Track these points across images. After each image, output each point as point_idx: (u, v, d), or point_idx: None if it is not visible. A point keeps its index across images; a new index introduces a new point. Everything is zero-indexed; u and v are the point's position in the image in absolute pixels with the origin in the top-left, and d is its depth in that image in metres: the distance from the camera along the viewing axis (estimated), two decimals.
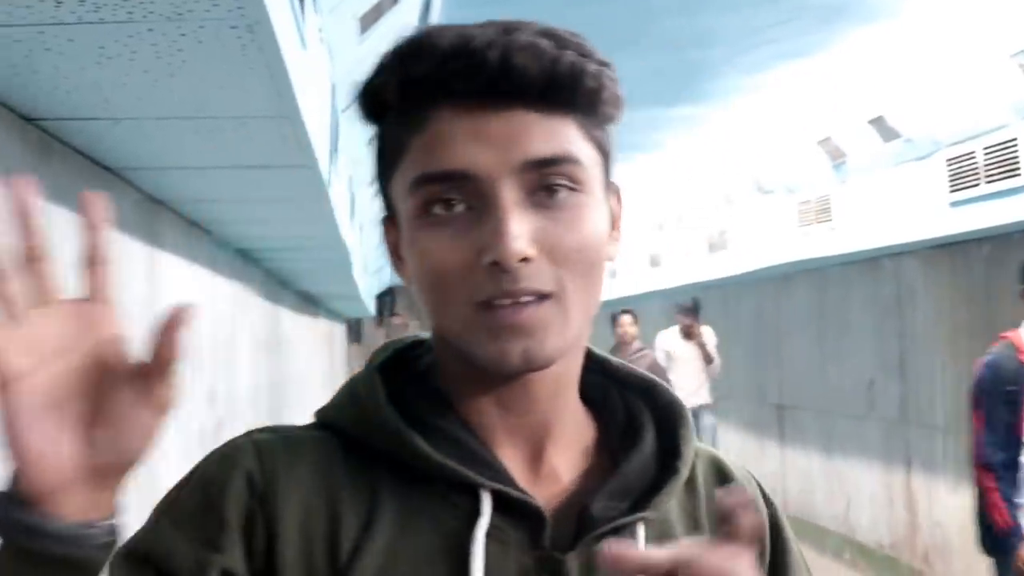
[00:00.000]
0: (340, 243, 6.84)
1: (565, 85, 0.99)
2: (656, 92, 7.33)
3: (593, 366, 1.18)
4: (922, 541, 8.32)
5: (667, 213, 12.53)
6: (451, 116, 0.99)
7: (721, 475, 1.19)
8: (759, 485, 1.23)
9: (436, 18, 5.29)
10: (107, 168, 3.78)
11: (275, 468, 1.04)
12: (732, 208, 10.50)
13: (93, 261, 0.91)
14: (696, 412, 10.01)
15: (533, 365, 1.00)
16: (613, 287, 15.95)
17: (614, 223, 1.11)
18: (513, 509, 1.03)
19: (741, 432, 11.87)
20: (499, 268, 0.97)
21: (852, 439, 9.47)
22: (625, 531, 1.05)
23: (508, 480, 1.04)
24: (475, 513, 1.02)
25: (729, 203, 10.45)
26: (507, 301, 0.98)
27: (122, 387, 0.85)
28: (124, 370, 0.86)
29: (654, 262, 13.57)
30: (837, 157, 8.06)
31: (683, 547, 0.88)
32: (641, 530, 1.06)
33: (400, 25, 5.18)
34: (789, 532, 1.22)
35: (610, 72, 1.03)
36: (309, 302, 15.25)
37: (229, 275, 7.13)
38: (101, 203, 0.88)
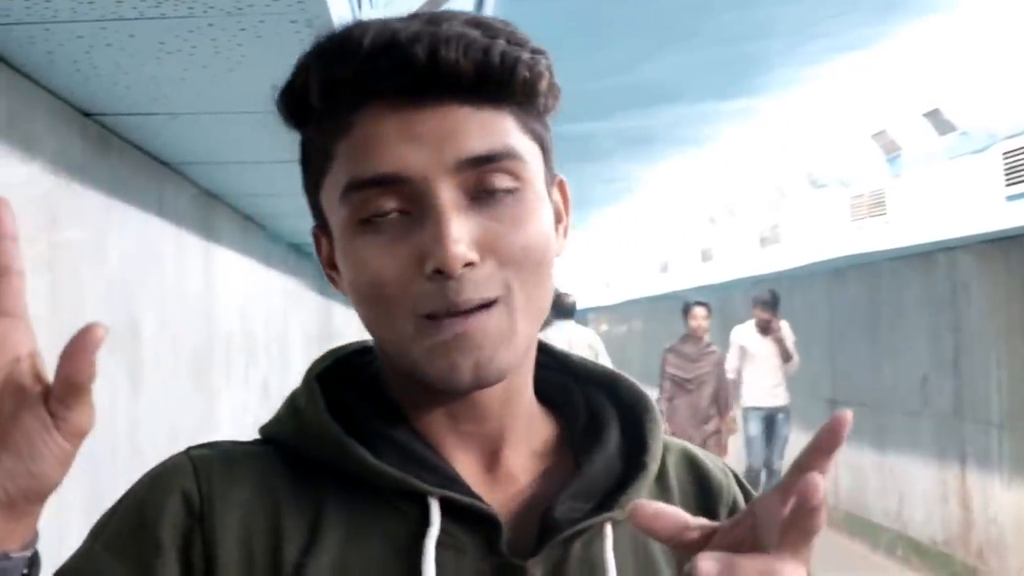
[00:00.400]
0: None
1: (498, 77, 0.93)
2: (710, 86, 7.29)
3: (552, 363, 1.15)
4: (976, 537, 8.23)
5: (719, 207, 12.45)
6: (379, 117, 0.93)
7: (694, 469, 1.13)
8: (737, 479, 1.16)
9: (490, 10, 5.29)
10: (164, 163, 3.83)
11: (213, 486, 0.97)
12: (784, 202, 10.43)
13: (1, 272, 0.81)
14: (771, 415, 9.84)
15: (484, 381, 0.95)
16: (664, 281, 15.91)
17: (559, 217, 1.05)
18: (466, 515, 0.96)
19: (793, 427, 11.79)
20: (442, 276, 0.91)
21: (905, 435, 9.39)
22: (592, 533, 0.99)
23: (458, 485, 0.98)
24: (425, 522, 0.96)
25: (782, 197, 10.37)
26: (446, 310, 0.92)
27: (33, 410, 0.79)
28: (35, 392, 0.79)
29: (706, 256, 13.51)
30: (891, 150, 8.00)
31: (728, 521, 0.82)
32: (609, 531, 1.00)
33: None
34: None
35: (545, 60, 0.97)
36: None
37: (282, 269, 7.20)
38: (6, 212, 0.82)
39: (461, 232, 0.91)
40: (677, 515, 0.81)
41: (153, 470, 1.01)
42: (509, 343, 0.94)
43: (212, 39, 2.30)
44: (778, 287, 12.14)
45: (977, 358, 8.11)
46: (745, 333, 10.01)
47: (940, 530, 8.80)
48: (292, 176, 3.67)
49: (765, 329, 9.73)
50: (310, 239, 4.04)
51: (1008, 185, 6.66)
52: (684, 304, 9.42)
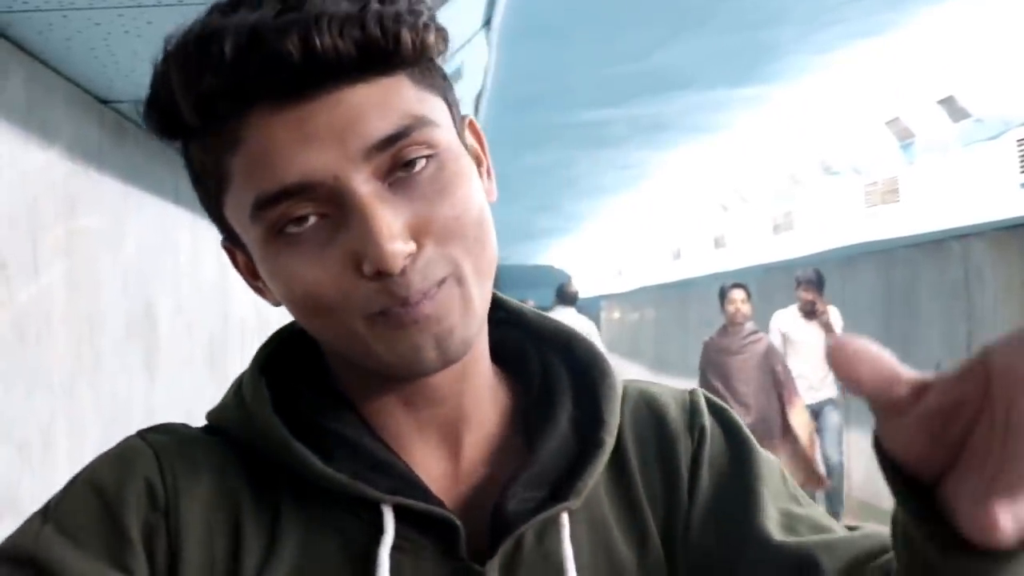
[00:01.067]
0: None
1: (383, 48, 0.83)
2: (723, 73, 7.29)
3: (508, 319, 1.08)
4: None
5: (732, 194, 12.43)
6: (267, 123, 0.83)
7: (653, 413, 1.05)
8: (709, 403, 1.07)
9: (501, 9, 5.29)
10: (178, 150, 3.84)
11: (177, 478, 0.91)
12: (798, 189, 10.38)
13: None
14: (819, 409, 8.68)
15: (450, 357, 0.88)
16: (677, 268, 15.90)
17: (479, 160, 0.96)
18: (422, 519, 0.90)
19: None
20: (382, 275, 0.83)
21: None
22: (547, 523, 0.93)
23: (413, 488, 0.92)
24: (380, 527, 0.90)
25: (795, 184, 10.32)
26: (397, 307, 0.84)
27: None
28: None
29: (718, 243, 13.48)
30: (905, 137, 7.99)
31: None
32: (565, 520, 0.93)
33: (469, 16, 5.19)
34: (753, 442, 1.04)
35: (427, 9, 0.86)
36: None
37: None
38: None
39: (392, 225, 0.82)
40: (880, 362, 0.61)
41: (110, 452, 0.93)
42: (466, 313, 0.88)
43: None
44: (791, 275, 12.14)
45: None
46: (787, 319, 8.87)
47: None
48: None
49: (810, 313, 8.66)
50: None
51: (1023, 172, 6.67)
52: (720, 288, 8.28)
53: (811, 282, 8.57)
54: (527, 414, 1.01)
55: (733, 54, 6.79)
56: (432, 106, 0.87)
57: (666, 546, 0.99)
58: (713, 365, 8.28)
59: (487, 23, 5.73)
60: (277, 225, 0.84)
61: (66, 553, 0.86)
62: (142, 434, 0.94)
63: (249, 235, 0.88)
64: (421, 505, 0.90)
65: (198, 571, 0.88)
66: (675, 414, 1.04)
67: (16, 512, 2.34)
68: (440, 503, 0.91)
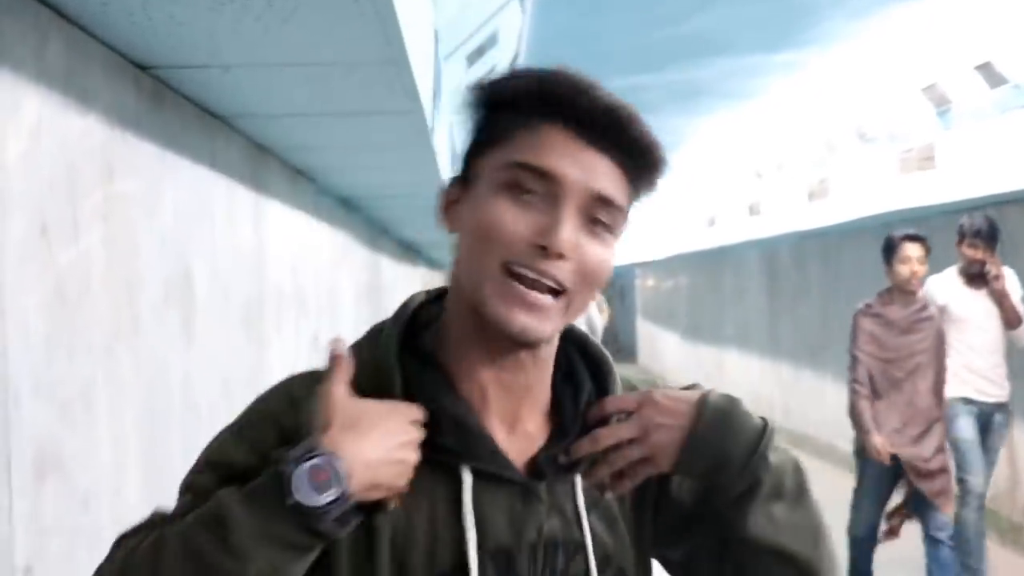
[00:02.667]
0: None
1: (641, 154, 1.33)
2: (759, 38, 7.28)
3: None
4: (1022, 495, 8.28)
5: (767, 161, 12.37)
6: (560, 131, 1.30)
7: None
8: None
9: None
10: (216, 116, 3.86)
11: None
12: (833, 156, 10.31)
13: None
14: (987, 413, 6.41)
15: (526, 340, 1.31)
16: (711, 236, 15.86)
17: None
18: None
19: (839, 383, 11.66)
20: (543, 251, 1.27)
21: None
22: (569, 482, 1.40)
23: (487, 455, 1.34)
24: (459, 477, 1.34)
25: (830, 151, 10.25)
26: (532, 275, 1.27)
27: None
28: None
29: (753, 211, 13.42)
30: (942, 104, 7.94)
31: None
32: (578, 481, 1.40)
33: None
34: None
35: (665, 161, 1.36)
36: (409, 250, 15.40)
37: (332, 223, 7.25)
38: None
39: (574, 233, 1.28)
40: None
41: (275, 396, 1.38)
42: (557, 323, 1.32)
43: None
44: (827, 242, 12.05)
45: None
46: (946, 285, 6.48)
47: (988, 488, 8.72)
48: (344, 129, 3.71)
49: (977, 277, 6.32)
50: (359, 193, 4.13)
51: None
52: (887, 240, 6.03)
53: (979, 232, 6.35)
54: (559, 386, 1.44)
55: (769, 19, 6.78)
56: (629, 210, 1.37)
57: (639, 494, 1.46)
58: (868, 343, 6.10)
59: None
60: (511, 183, 1.30)
61: (255, 461, 1.29)
62: (299, 381, 1.38)
63: (489, 176, 1.32)
64: (485, 466, 1.34)
65: None
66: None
67: (61, 470, 2.38)
68: (504, 458, 1.35)
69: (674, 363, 21.82)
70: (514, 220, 1.28)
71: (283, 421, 1.32)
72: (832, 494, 9.61)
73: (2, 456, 2.11)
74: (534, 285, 1.28)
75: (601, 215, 1.31)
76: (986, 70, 7.14)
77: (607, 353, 1.50)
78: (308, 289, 6.18)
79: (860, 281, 11.15)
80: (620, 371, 1.51)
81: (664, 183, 1.40)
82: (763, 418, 1.38)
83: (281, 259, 5.35)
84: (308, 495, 1.17)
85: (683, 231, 18.26)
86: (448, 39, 5.97)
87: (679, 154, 12.93)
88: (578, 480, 1.40)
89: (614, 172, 1.31)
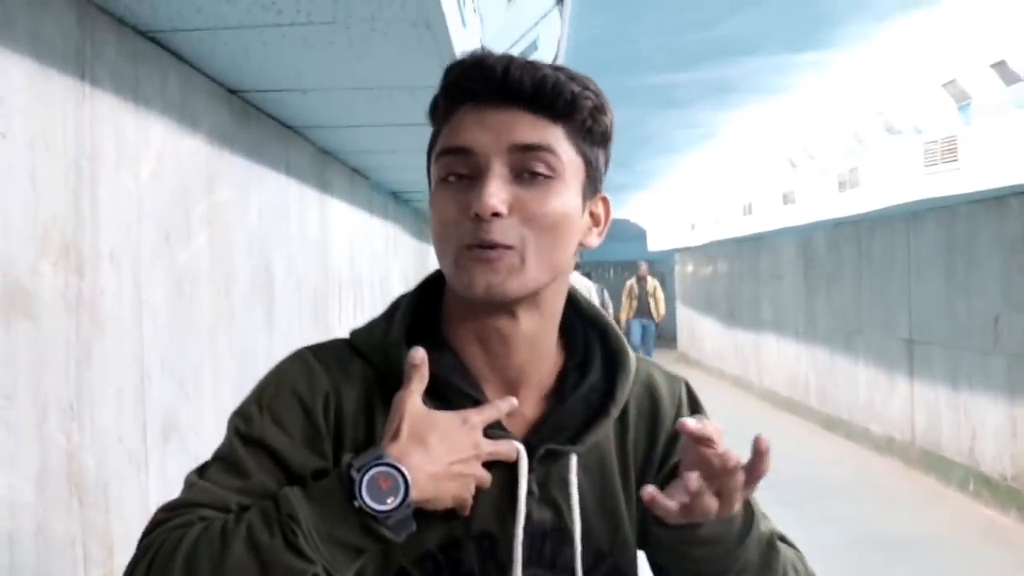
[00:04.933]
0: None
1: (548, 94, 1.32)
2: (785, 40, 7.40)
3: (571, 308, 1.50)
4: None
5: (799, 151, 12.45)
6: (467, 110, 1.33)
7: (651, 399, 1.52)
8: (690, 395, 1.56)
9: None
10: (289, 127, 4.32)
11: (339, 387, 1.37)
12: (862, 147, 10.41)
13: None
14: None
15: (493, 297, 1.32)
16: (747, 223, 15.99)
17: (597, 222, 1.45)
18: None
19: (872, 367, 11.84)
20: (479, 219, 1.28)
21: (978, 373, 9.37)
22: (564, 460, 1.41)
23: (496, 432, 1.36)
24: None
25: (859, 142, 10.36)
26: (479, 244, 1.29)
27: None
28: None
29: (787, 199, 13.58)
30: (962, 99, 8.09)
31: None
32: (574, 459, 1.41)
33: None
34: None
35: (594, 96, 1.36)
36: None
37: (384, 215, 7.65)
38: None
39: (498, 193, 1.29)
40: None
41: (296, 366, 1.39)
42: (518, 276, 1.31)
43: (348, 38, 2.76)
44: (858, 230, 12.17)
45: None
46: None
47: (1010, 466, 8.83)
48: (393, 136, 4.25)
49: None
50: (409, 188, 4.71)
51: None
52: None
53: None
54: (567, 374, 1.46)
55: (793, 24, 6.92)
56: (568, 154, 1.35)
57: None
58: None
59: (560, 1, 6.12)
60: (443, 171, 1.34)
61: (282, 440, 1.32)
62: (315, 353, 1.41)
63: (433, 175, 1.37)
64: (496, 432, 1.36)
65: (351, 445, 1.34)
66: (667, 404, 1.53)
67: (179, 433, 2.87)
68: (510, 434, 1.38)
69: (712, 348, 21.69)
70: (453, 205, 1.31)
71: (303, 393, 1.35)
72: (863, 475, 9.95)
73: (139, 420, 2.60)
74: (483, 249, 1.29)
75: (532, 163, 1.31)
76: (1001, 68, 7.32)
77: (626, 344, 1.50)
78: (363, 277, 6.61)
79: (889, 265, 11.37)
80: (647, 364, 1.55)
81: (606, 124, 1.39)
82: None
83: (341, 250, 5.79)
84: (373, 500, 1.21)
85: (720, 218, 18.24)
86: (493, 48, 6.19)
87: (714, 146, 13.05)
88: (573, 466, 1.41)
89: (532, 121, 1.32)
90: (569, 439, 1.41)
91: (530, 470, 1.37)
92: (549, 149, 1.32)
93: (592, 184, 1.41)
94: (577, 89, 1.33)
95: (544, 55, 8.34)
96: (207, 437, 3.12)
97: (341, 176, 5.74)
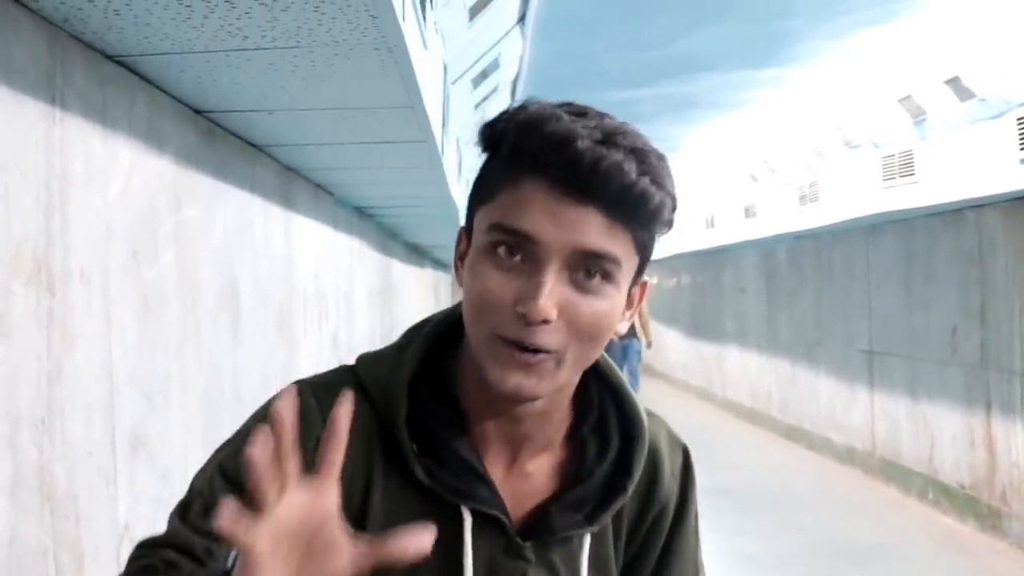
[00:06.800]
0: (449, 200, 7.35)
1: (632, 204, 1.20)
2: (744, 57, 7.49)
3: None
4: (1000, 481, 8.38)
5: (760, 166, 12.53)
6: (539, 188, 1.20)
7: (652, 473, 1.46)
8: (685, 465, 1.51)
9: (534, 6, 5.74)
10: (255, 146, 4.39)
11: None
12: (822, 162, 10.50)
13: (329, 449, 1.02)
14: None
15: (521, 398, 1.25)
16: (710, 236, 16.09)
17: (631, 304, 1.32)
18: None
19: (833, 378, 11.94)
20: (524, 319, 1.19)
21: (936, 384, 9.45)
22: (574, 538, 1.36)
23: (488, 498, 1.31)
24: (460, 516, 1.31)
25: (819, 156, 10.45)
26: (518, 343, 1.20)
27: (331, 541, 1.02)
28: (334, 532, 1.02)
29: (749, 212, 13.69)
30: (918, 115, 8.18)
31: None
32: (587, 540, 1.37)
33: (504, 15, 5.66)
34: (692, 520, 1.50)
35: (671, 201, 1.25)
36: (416, 253, 15.71)
37: (348, 230, 7.68)
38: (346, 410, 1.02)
39: (552, 297, 1.19)
40: None
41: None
42: (551, 380, 1.24)
43: (312, 62, 2.83)
44: (818, 243, 12.27)
45: (1002, 310, 8.24)
46: None
47: (967, 474, 8.90)
48: (363, 154, 4.35)
49: None
50: (373, 203, 4.79)
51: (1022, 149, 6.88)
52: None
53: None
54: (584, 443, 1.40)
55: (750, 42, 7.01)
56: (629, 257, 1.26)
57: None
58: None
59: (522, 19, 6.22)
60: (497, 244, 1.22)
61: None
62: (314, 389, 1.31)
63: (479, 237, 1.26)
64: (487, 508, 1.31)
65: (346, 502, 1.13)
66: (667, 475, 1.47)
67: (147, 446, 2.93)
68: (501, 503, 1.32)
69: (677, 360, 21.79)
70: (498, 288, 1.22)
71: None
72: (825, 485, 10.06)
73: (108, 433, 2.67)
74: (523, 349, 1.21)
75: (592, 269, 1.22)
76: (955, 84, 7.42)
77: (642, 412, 1.45)
78: (328, 292, 6.66)
79: (849, 277, 11.46)
80: (654, 424, 1.48)
81: (673, 219, 1.28)
82: None
83: (306, 265, 5.85)
84: None
85: (684, 232, 18.26)
86: (455, 67, 6.32)
87: (676, 160, 13.15)
88: (585, 546, 1.38)
89: (604, 224, 1.20)
90: (586, 516, 1.37)
91: (529, 535, 1.35)
92: (615, 260, 1.23)
93: (640, 274, 1.34)
94: (659, 198, 1.23)
95: (507, 72, 8.45)
96: (175, 450, 3.19)
97: (306, 192, 5.79)
